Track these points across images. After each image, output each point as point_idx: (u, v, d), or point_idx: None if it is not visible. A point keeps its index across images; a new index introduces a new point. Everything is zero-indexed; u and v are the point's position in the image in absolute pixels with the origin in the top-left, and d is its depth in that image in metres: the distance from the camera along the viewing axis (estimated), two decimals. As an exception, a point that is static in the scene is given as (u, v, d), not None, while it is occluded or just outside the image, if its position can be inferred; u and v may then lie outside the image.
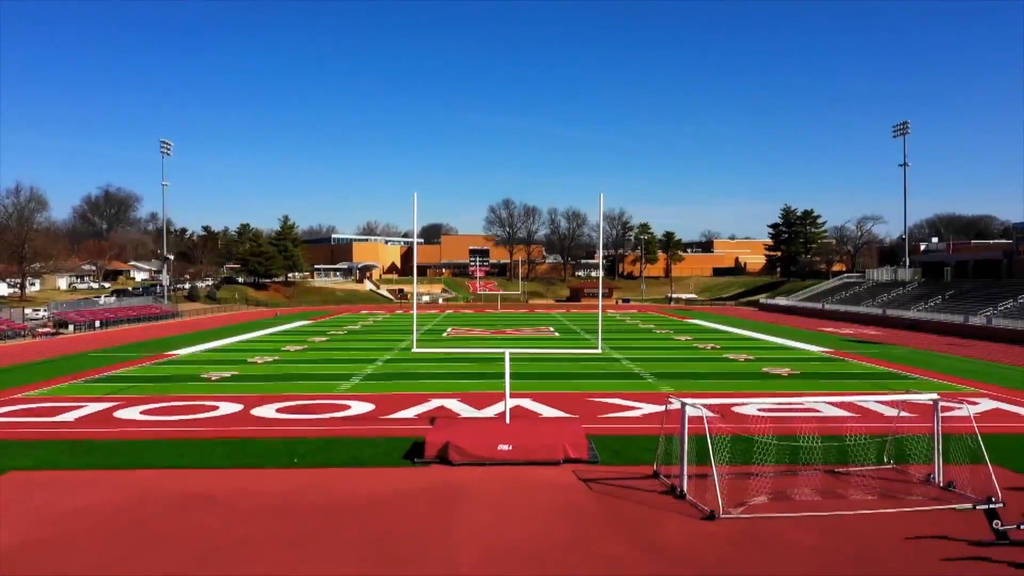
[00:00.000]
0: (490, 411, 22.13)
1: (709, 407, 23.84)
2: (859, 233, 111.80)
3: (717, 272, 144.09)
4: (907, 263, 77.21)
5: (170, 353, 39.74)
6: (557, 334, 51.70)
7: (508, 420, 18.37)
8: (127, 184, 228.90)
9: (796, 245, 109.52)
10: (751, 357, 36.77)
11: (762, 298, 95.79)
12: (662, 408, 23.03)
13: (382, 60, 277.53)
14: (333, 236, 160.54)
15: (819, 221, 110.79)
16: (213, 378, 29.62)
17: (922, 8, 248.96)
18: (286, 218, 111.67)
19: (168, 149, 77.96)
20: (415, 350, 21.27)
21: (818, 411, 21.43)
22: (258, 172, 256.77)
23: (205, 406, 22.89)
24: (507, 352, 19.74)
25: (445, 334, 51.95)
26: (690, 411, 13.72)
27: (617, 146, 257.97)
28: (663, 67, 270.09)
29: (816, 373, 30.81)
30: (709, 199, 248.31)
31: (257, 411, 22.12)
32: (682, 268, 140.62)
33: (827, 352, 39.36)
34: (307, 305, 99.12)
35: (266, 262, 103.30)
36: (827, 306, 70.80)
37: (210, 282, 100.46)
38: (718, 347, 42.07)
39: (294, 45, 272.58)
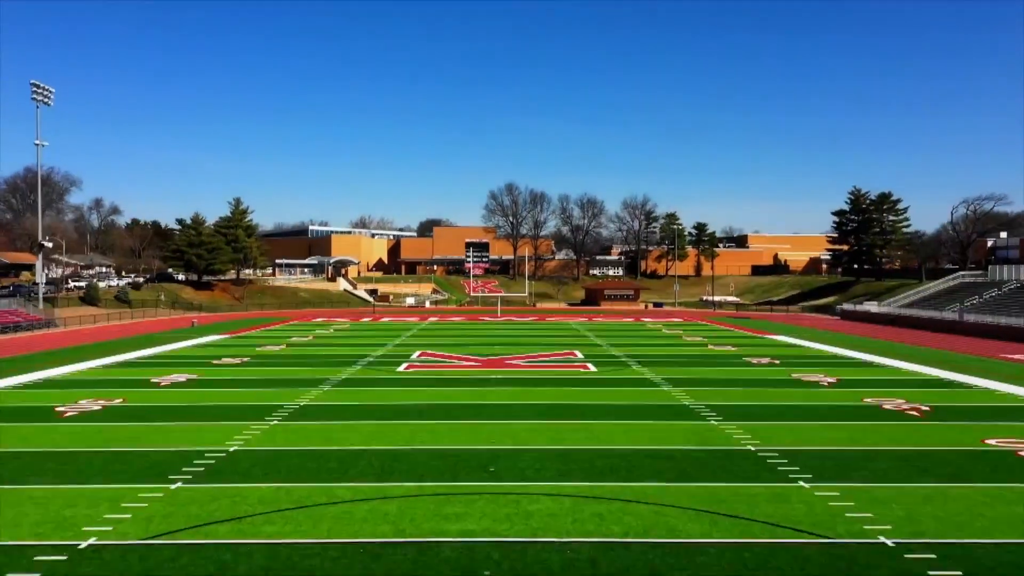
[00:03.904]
0: None
1: None
2: (974, 218, 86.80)
3: (756, 271, 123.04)
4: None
5: None
6: (592, 368, 30.74)
7: None
8: (97, 169, 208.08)
9: (871, 237, 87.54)
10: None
11: (843, 303, 74.56)
12: None
13: (381, 55, 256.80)
14: (310, 228, 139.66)
15: (899, 207, 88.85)
16: None
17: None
18: (238, 201, 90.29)
19: (47, 97, 56.87)
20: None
21: None
22: (251, 168, 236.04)
23: None
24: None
25: (403, 366, 31.03)
26: None
27: (622, 142, 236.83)
28: (663, 60, 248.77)
29: None
30: (723, 196, 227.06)
31: None
32: (712, 266, 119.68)
33: None
34: (257, 309, 78.31)
35: (208, 255, 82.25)
36: (967, 316, 49.60)
37: (127, 280, 79.24)
38: (903, 403, 21.24)
39: (289, 40, 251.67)
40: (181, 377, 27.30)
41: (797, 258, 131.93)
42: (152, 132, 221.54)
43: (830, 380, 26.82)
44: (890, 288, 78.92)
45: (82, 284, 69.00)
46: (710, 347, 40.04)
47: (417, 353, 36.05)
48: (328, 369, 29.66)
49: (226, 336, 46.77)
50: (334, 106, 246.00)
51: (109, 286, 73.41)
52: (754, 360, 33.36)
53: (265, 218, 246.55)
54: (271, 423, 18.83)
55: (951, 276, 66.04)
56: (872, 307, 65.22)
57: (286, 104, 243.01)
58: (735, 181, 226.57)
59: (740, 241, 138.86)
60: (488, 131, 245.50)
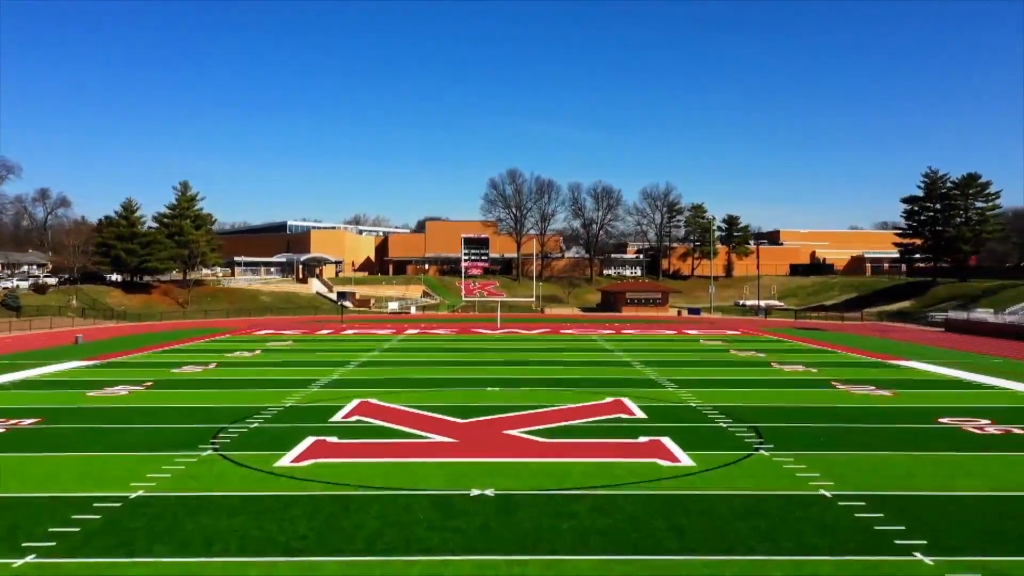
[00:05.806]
0: None
1: None
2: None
3: (794, 271, 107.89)
4: None
5: None
6: (677, 451, 15.19)
7: None
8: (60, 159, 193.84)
9: (956, 227, 71.60)
10: None
11: (924, 309, 59.23)
12: None
13: (381, 54, 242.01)
14: (289, 224, 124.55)
15: (990, 193, 72.65)
16: None
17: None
18: (184, 186, 74.93)
19: None
20: None
21: None
22: (244, 166, 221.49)
23: None
24: None
25: (301, 448, 15.50)
26: None
27: (626, 142, 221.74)
28: (663, 58, 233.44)
29: None
30: (731, 195, 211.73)
31: None
32: (745, 265, 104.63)
33: None
34: (200, 317, 63.22)
35: (142, 250, 67.13)
36: None
37: (30, 282, 64.03)
38: None
39: (284, 34, 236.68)
40: None
41: (838, 256, 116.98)
42: (147, 130, 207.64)
43: None
44: (988, 290, 63.43)
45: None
46: (839, 387, 24.71)
47: (352, 405, 20.73)
48: (149, 458, 14.39)
49: (93, 362, 31.71)
50: (331, 103, 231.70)
51: (4, 289, 58.31)
52: (968, 425, 17.95)
53: (257, 216, 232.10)
54: None
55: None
56: (987, 315, 49.83)
57: (280, 100, 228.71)
58: (742, 179, 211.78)
59: (772, 238, 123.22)
60: (490, 126, 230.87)
